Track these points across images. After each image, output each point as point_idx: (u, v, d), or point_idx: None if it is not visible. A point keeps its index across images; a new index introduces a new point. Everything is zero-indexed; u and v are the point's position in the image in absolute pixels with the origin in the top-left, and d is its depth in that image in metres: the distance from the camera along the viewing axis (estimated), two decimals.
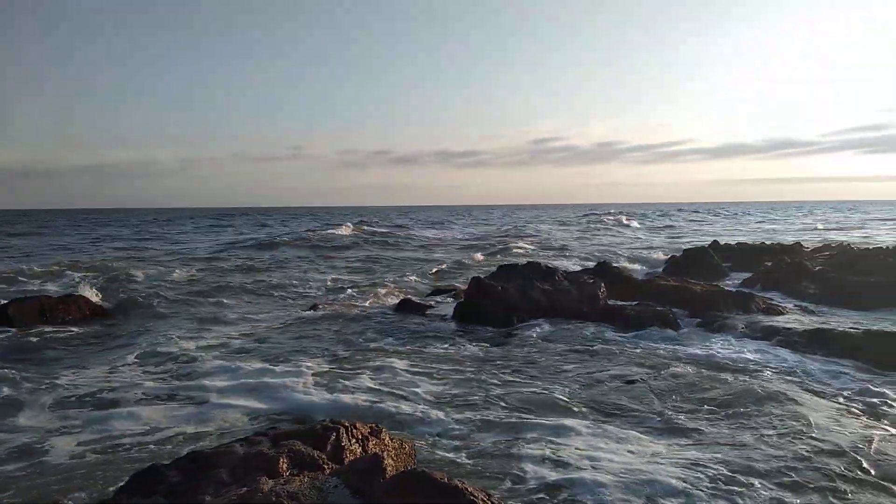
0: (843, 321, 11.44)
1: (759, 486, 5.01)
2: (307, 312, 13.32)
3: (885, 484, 5.03)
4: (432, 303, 14.15)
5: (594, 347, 9.88)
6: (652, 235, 42.35)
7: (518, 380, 8.17)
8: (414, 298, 14.31)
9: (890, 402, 7.04)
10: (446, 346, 10.23)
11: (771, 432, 6.16)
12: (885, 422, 6.43)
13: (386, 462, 4.11)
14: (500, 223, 62.07)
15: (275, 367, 8.80)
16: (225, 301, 15.26)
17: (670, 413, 6.79)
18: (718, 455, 5.61)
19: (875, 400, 7.11)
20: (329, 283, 18.38)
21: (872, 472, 5.24)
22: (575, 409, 7.00)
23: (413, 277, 19.68)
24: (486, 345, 10.28)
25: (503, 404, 7.20)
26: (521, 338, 10.74)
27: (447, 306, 13.50)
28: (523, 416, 6.81)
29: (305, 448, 4.46)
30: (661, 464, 5.45)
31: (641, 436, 6.14)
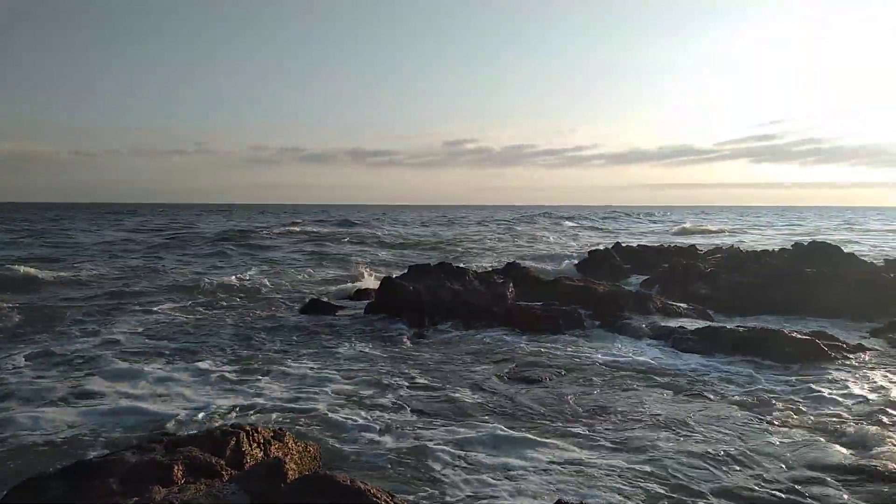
0: (729, 320, 12.21)
1: (655, 488, 5.27)
2: (215, 311, 12.86)
3: (790, 484, 5.40)
4: (343, 303, 14.00)
5: (502, 348, 10.07)
6: (596, 236, 43.45)
7: (427, 381, 8.21)
8: (323, 298, 14.10)
9: (778, 394, 7.56)
10: (355, 346, 10.15)
11: (664, 434, 6.49)
12: (776, 412, 6.90)
13: (288, 466, 4.03)
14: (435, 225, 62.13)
15: (173, 369, 8.45)
16: (124, 301, 14.49)
17: (570, 416, 7.01)
18: (618, 458, 5.86)
19: (765, 396, 7.62)
20: (234, 280, 17.82)
21: (779, 476, 5.62)
22: (482, 411, 7.10)
23: (331, 274, 19.41)
24: (395, 345, 10.27)
25: (412, 406, 7.21)
26: (430, 338, 10.80)
27: (359, 306, 13.39)
28: (432, 418, 6.85)
29: (203, 454, 4.30)
30: (565, 467, 5.63)
31: (547, 440, 6.31)
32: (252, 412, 6.89)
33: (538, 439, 6.14)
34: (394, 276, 13.87)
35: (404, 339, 10.67)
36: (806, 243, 16.31)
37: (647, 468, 5.45)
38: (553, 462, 5.61)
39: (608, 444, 6.04)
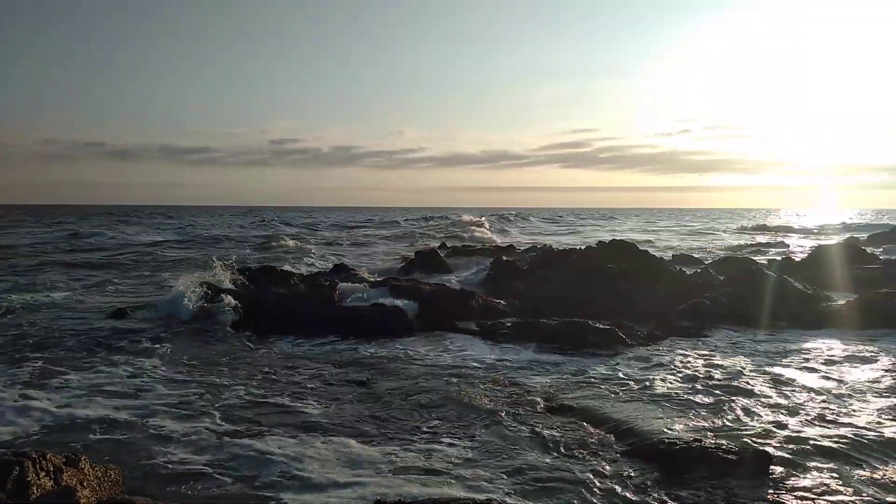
0: (544, 314, 13.07)
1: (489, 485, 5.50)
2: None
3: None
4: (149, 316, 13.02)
5: (327, 351, 9.96)
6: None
7: (251, 389, 7.89)
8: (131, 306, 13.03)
9: (593, 376, 8.21)
10: (169, 355, 9.50)
11: (482, 432, 6.79)
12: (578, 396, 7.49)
13: (80, 494, 3.68)
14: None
15: None
16: None
17: (385, 419, 7.11)
18: (437, 456, 6.03)
19: (582, 377, 8.25)
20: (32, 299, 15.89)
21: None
22: (306, 417, 6.98)
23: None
24: (213, 352, 9.76)
25: (228, 416, 6.90)
26: (251, 343, 10.40)
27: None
28: (252, 426, 6.60)
29: None
30: (393, 470, 5.69)
31: (371, 445, 6.34)
32: (42, 434, 6.18)
33: (362, 445, 6.15)
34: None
35: (221, 345, 10.16)
36: (608, 241, 17.89)
37: (465, 459, 5.68)
38: (382, 463, 5.65)
39: (422, 443, 6.20)
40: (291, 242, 33.91)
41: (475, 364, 9.13)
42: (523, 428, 6.49)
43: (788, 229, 53.98)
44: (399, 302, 12.69)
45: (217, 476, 5.36)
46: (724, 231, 53.25)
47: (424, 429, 6.52)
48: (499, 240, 37.65)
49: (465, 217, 58.99)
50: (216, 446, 6.01)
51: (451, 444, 6.07)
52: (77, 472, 4.38)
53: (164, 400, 7.40)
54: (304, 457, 5.73)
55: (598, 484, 5.23)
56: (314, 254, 28.56)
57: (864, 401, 7.33)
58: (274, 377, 8.44)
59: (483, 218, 57.90)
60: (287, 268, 16.10)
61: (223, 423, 6.67)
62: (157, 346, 10.13)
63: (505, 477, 5.37)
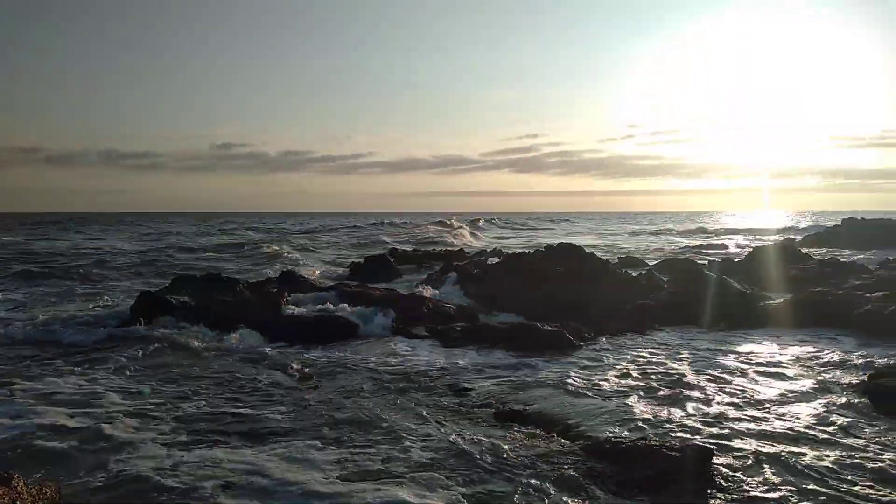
0: (495, 316, 13.18)
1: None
2: None
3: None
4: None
5: (274, 358, 9.79)
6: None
7: (199, 397, 7.70)
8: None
9: (542, 378, 8.29)
10: (117, 364, 9.19)
11: (431, 437, 6.79)
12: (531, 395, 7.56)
13: None
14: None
15: None
16: None
17: (333, 424, 7.04)
18: (377, 457, 6.00)
19: (531, 379, 8.31)
20: None
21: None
22: (259, 426, 6.84)
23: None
24: (161, 360, 9.47)
25: (177, 424, 6.72)
26: (197, 350, 10.15)
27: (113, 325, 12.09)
28: (196, 436, 6.43)
29: None
30: (320, 479, 5.63)
31: (309, 451, 6.26)
32: None
33: (308, 451, 6.07)
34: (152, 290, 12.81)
35: (162, 355, 9.88)
36: (556, 245, 18.17)
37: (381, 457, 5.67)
38: (330, 469, 5.58)
39: (371, 448, 6.17)
40: (274, 248, 32.82)
41: (423, 368, 9.11)
42: (473, 431, 6.51)
43: (729, 231, 55.86)
44: (347, 307, 12.61)
45: (163, 485, 5.21)
46: (668, 233, 54.69)
47: (373, 435, 6.47)
48: (477, 244, 37.80)
49: (453, 221, 59.09)
50: (164, 455, 5.85)
51: (401, 450, 6.03)
52: (8, 490, 4.19)
53: (113, 408, 7.18)
54: (252, 464, 5.61)
55: (545, 486, 5.29)
56: (301, 260, 27.66)
57: (799, 396, 7.63)
58: (219, 384, 8.24)
59: (452, 220, 58.21)
60: (268, 272, 15.76)
61: (171, 431, 6.48)
62: (106, 355, 9.82)
63: (453, 481, 5.37)
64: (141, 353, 9.99)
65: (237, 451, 6.00)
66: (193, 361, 9.62)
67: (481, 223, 65.54)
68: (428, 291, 16.64)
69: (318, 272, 21.61)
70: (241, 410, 7.27)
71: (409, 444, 6.20)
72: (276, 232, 55.59)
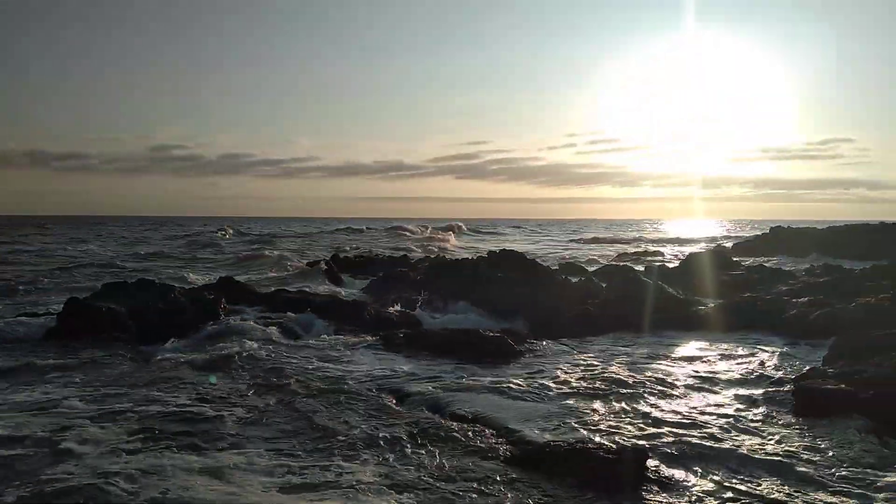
0: (438, 322, 13.18)
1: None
2: None
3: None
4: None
5: (209, 367, 9.50)
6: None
7: (140, 403, 7.38)
8: None
9: (483, 384, 8.29)
10: (56, 372, 8.77)
11: (372, 443, 6.72)
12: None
13: None
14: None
15: None
16: None
17: (272, 435, 6.89)
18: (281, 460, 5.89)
19: (472, 385, 8.31)
20: None
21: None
22: (171, 431, 6.61)
23: None
24: (75, 372, 9.03)
25: (120, 429, 6.43)
26: (128, 359, 9.75)
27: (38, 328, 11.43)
28: (141, 442, 6.16)
29: None
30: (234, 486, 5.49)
31: (249, 460, 6.10)
32: None
33: (249, 460, 5.91)
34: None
35: (87, 364, 9.44)
36: (497, 251, 18.33)
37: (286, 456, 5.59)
38: (271, 480, 5.44)
39: (313, 456, 6.05)
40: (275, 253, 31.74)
41: (362, 374, 9.01)
42: (411, 437, 6.46)
43: (665, 238, 57.59)
44: (292, 314, 12.40)
45: (108, 493, 4.99)
46: (607, 241, 55.94)
47: (314, 443, 6.34)
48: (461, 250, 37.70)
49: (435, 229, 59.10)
50: (110, 462, 5.59)
51: (342, 459, 5.93)
52: None
53: (43, 417, 6.81)
54: (191, 472, 5.42)
55: (486, 490, 5.29)
56: (205, 267, 27.24)
57: (730, 398, 7.89)
58: (153, 393, 7.93)
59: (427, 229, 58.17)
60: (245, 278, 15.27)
61: (111, 437, 6.19)
62: (30, 361, 9.36)
63: (392, 489, 5.32)
64: (69, 361, 9.53)
65: (165, 459, 5.77)
66: (126, 370, 9.23)
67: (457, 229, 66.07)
68: (370, 296, 16.52)
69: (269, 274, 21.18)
70: (177, 418, 7.01)
71: (347, 451, 6.10)
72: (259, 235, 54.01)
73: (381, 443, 6.33)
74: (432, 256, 24.99)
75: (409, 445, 6.25)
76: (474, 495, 5.19)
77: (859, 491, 5.25)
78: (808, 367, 8.68)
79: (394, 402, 7.78)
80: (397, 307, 14.51)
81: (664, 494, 5.21)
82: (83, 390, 8.12)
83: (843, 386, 7.36)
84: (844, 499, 5.15)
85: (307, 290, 15.64)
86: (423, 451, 6.10)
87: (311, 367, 9.49)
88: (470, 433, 6.62)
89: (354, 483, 5.39)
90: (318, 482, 5.43)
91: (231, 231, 56.90)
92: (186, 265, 28.09)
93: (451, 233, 55.62)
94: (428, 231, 58.99)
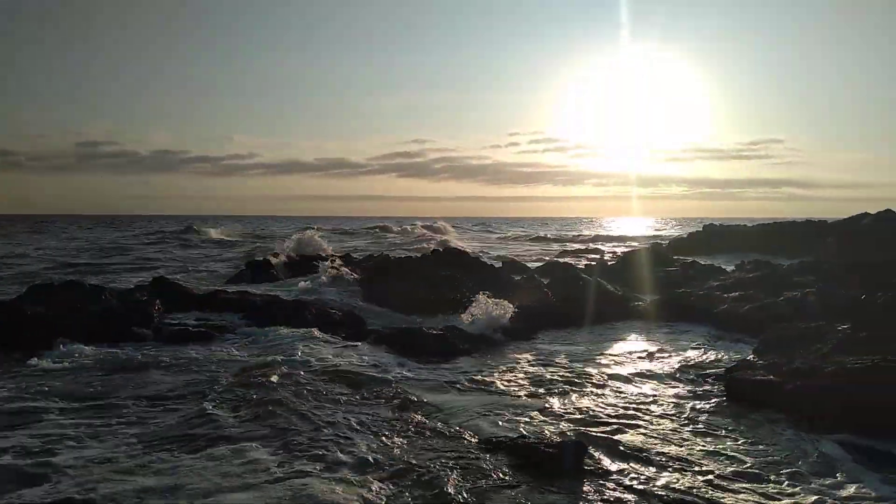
0: (375, 321, 13.12)
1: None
2: None
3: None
4: None
5: (144, 368, 9.18)
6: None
7: (65, 414, 7.05)
8: None
9: (427, 379, 8.28)
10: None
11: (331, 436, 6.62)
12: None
13: None
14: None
15: None
16: None
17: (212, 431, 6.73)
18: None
19: (415, 382, 8.28)
20: None
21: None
22: (107, 437, 6.37)
23: None
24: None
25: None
26: (58, 365, 9.32)
27: None
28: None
29: None
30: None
31: (175, 456, 5.93)
32: None
33: (175, 456, 5.74)
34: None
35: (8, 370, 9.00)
36: (441, 249, 18.37)
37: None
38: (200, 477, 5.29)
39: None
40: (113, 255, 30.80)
41: (303, 370, 8.89)
42: (376, 423, 6.41)
43: (604, 236, 58.87)
44: (226, 314, 12.11)
45: None
46: (549, 239, 56.80)
47: (265, 438, 6.22)
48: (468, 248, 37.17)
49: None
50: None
51: (317, 457, 5.83)
52: None
53: None
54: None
55: (462, 465, 5.29)
56: (138, 268, 26.26)
57: (665, 390, 8.14)
58: (84, 393, 7.60)
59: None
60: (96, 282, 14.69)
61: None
62: None
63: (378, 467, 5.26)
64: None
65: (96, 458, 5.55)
66: (51, 377, 8.82)
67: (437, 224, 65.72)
68: (312, 295, 16.29)
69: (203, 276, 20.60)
70: (102, 419, 6.75)
71: (301, 443, 6.00)
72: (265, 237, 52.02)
73: (326, 433, 6.25)
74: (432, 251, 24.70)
75: (379, 431, 6.20)
76: (451, 472, 5.21)
77: (787, 481, 5.48)
78: (738, 360, 9.02)
79: (347, 394, 7.69)
80: (340, 305, 14.38)
81: (601, 484, 5.32)
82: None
83: (772, 377, 7.68)
84: (770, 486, 5.38)
85: (248, 291, 15.28)
86: (397, 437, 6.07)
87: (241, 364, 9.27)
88: (428, 422, 6.66)
89: (296, 469, 5.31)
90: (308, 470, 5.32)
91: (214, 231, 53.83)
92: (145, 265, 27.07)
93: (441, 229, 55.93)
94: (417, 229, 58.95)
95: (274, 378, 8.41)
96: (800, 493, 5.23)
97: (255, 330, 11.62)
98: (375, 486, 5.31)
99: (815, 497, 5.16)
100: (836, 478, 5.51)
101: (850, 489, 5.30)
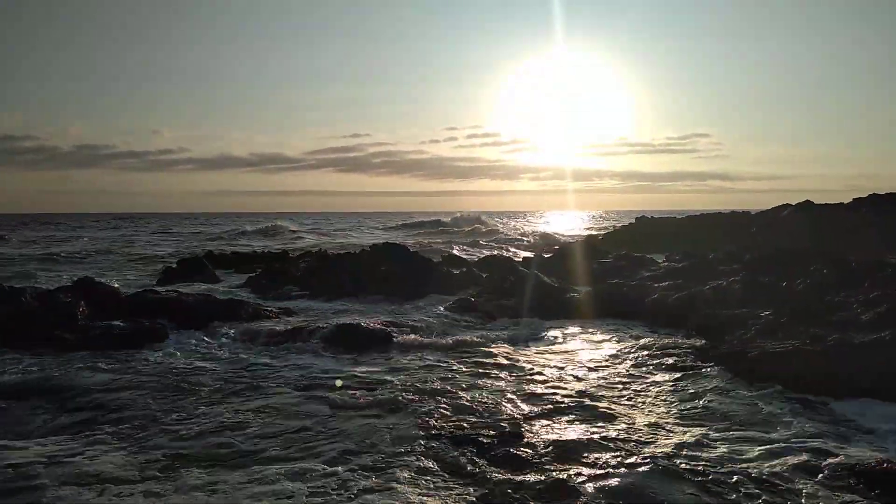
0: (318, 318, 12.97)
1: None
2: None
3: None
4: None
5: (67, 375, 8.80)
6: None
7: None
8: None
9: (357, 374, 8.23)
10: None
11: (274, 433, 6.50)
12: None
13: None
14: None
15: None
16: None
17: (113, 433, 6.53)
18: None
19: (347, 378, 8.22)
20: None
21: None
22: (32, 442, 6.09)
23: None
24: None
25: None
26: None
27: None
28: None
29: None
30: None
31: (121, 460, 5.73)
32: None
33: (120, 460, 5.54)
34: None
35: None
36: (381, 244, 18.30)
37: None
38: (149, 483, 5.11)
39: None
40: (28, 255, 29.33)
41: (241, 369, 8.73)
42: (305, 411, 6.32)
43: (539, 230, 59.81)
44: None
45: None
46: (484, 233, 57.26)
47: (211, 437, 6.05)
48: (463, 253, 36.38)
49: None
50: None
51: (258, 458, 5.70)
52: None
53: None
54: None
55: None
56: (59, 268, 25.09)
57: (600, 378, 8.37)
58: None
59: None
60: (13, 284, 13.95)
61: None
62: None
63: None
64: None
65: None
66: None
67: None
68: (249, 293, 15.97)
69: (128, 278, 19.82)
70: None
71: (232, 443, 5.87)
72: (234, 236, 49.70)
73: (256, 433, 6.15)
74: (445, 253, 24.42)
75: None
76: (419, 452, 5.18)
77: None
78: (667, 343, 9.35)
79: (292, 390, 7.57)
80: (277, 304, 14.14)
81: (538, 476, 5.43)
82: None
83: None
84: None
85: (179, 290, 14.83)
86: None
87: (177, 365, 9.02)
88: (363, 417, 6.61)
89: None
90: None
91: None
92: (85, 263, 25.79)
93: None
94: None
95: None
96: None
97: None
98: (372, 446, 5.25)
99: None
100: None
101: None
